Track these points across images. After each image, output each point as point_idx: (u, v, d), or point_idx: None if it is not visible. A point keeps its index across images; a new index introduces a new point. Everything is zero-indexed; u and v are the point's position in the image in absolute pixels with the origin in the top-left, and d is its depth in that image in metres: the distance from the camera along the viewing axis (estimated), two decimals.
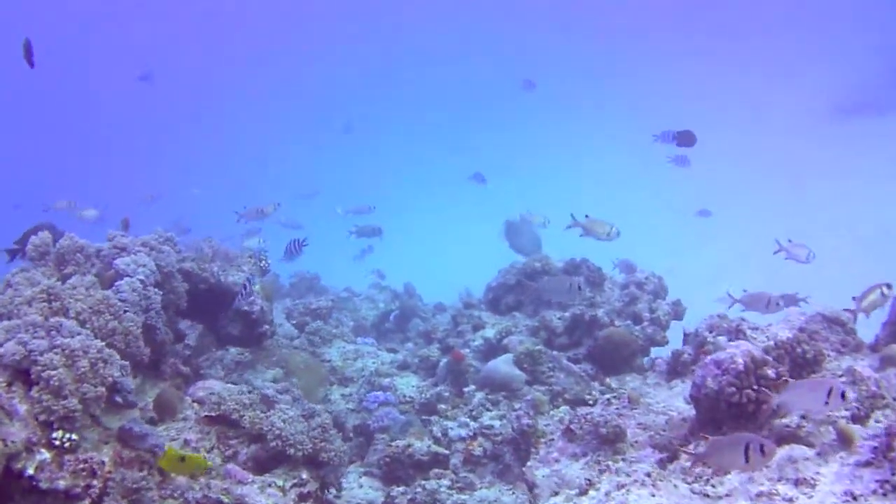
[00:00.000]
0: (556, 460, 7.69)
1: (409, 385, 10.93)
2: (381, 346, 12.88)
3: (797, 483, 5.13)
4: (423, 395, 10.53)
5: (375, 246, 16.70)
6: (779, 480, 5.27)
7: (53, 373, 6.19)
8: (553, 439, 8.07)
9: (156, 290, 8.32)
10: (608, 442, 7.41)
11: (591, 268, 11.74)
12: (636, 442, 7.47)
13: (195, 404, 8.18)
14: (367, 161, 50.95)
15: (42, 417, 6.17)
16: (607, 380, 10.12)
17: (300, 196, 15.75)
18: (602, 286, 11.70)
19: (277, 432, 7.55)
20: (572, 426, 7.75)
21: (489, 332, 11.25)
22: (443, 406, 10.26)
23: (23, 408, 6.22)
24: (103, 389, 6.45)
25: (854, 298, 7.96)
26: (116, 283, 7.95)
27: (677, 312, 11.59)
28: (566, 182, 45.49)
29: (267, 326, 10.32)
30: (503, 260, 12.66)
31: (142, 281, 8.18)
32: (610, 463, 7.09)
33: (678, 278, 12.43)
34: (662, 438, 7.27)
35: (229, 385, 8.53)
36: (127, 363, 6.99)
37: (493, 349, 10.97)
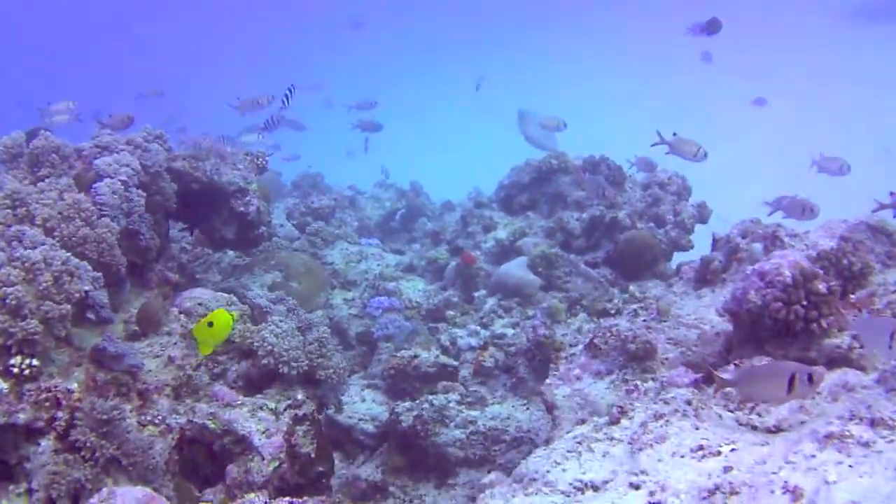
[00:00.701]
0: (578, 378, 6.88)
1: (416, 289, 10.07)
2: (387, 246, 11.99)
3: (873, 423, 4.24)
4: (430, 301, 9.68)
5: (378, 142, 15.62)
6: (850, 419, 4.36)
7: (10, 290, 5.31)
8: (574, 354, 7.24)
9: (139, 191, 7.41)
10: (637, 359, 6.57)
11: (612, 166, 10.77)
12: (666, 359, 6.63)
13: (182, 315, 7.35)
14: (375, 59, 49.29)
15: None
16: (631, 287, 9.26)
17: (303, 88, 14.65)
18: (623, 186, 10.76)
19: (269, 348, 6.68)
20: (596, 340, 6.90)
21: (501, 234, 10.33)
22: (451, 312, 9.40)
23: None
24: (69, 307, 5.58)
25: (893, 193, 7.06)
26: (94, 185, 7.05)
27: (702, 215, 10.68)
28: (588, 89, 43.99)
29: (264, 228, 9.41)
30: (514, 157, 11.81)
31: (123, 182, 7.27)
32: (639, 382, 6.21)
33: (694, 180, 11.48)
34: (695, 356, 6.44)
35: (219, 294, 7.68)
36: (100, 275, 6.12)
37: (505, 252, 10.07)
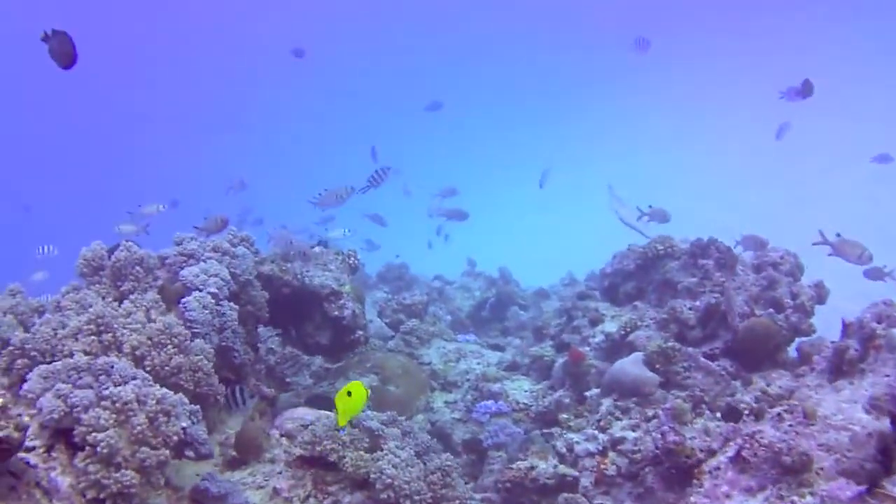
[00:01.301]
0: (728, 496, 5.96)
1: (521, 390, 9.15)
2: (483, 340, 11.11)
3: None
4: (539, 403, 8.77)
5: (461, 230, 14.78)
6: None
7: (101, 436, 4.52)
8: (718, 467, 6.32)
9: (231, 304, 6.66)
10: (792, 472, 5.63)
11: (721, 248, 9.84)
12: (821, 469, 5.69)
13: (283, 439, 6.54)
14: (448, 140, 48.31)
15: (90, 495, 4.53)
16: (756, 379, 8.29)
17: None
18: (734, 269, 9.81)
19: (388, 481, 5.79)
20: (744, 453, 5.97)
21: (610, 327, 9.39)
22: (564, 415, 8.48)
23: (65, 482, 4.60)
24: (167, 452, 4.77)
25: None
26: (183, 301, 6.29)
27: (820, 296, 9.69)
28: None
29: (360, 332, 8.61)
30: (604, 237, 10.97)
31: (213, 295, 6.53)
32: (796, 498, 5.33)
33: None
34: (850, 462, 5.50)
35: (323, 415, 6.85)
36: (197, 408, 5.33)
37: (616, 347, 9.13)
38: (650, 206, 10.12)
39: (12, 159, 43.99)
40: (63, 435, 4.76)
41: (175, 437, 4.82)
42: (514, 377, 9.45)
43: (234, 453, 6.27)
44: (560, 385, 9.05)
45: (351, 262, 8.96)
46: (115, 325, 5.50)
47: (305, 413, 6.83)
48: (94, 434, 4.52)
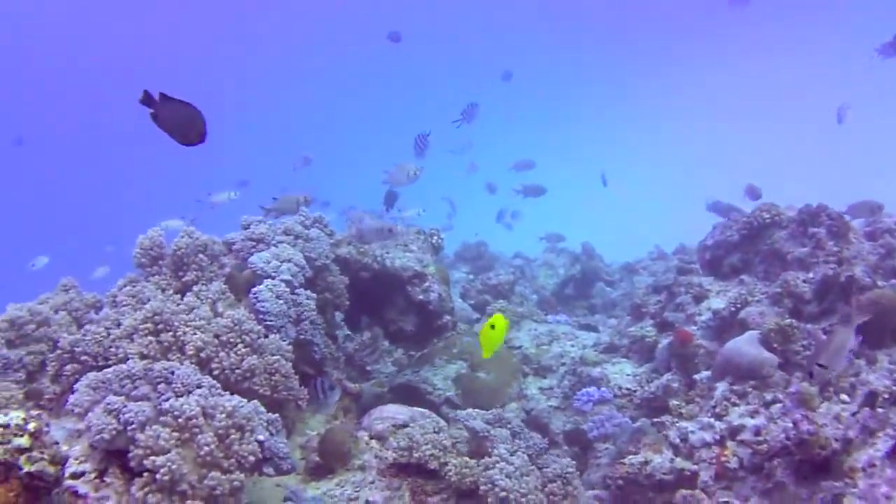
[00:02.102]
0: (889, 498, 4.96)
1: (623, 374, 8.07)
2: (572, 320, 10.00)
3: None
4: (645, 388, 7.70)
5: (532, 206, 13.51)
6: None
7: (161, 460, 3.56)
8: (874, 465, 5.28)
9: (307, 292, 5.68)
10: None
11: (832, 215, 8.65)
12: None
13: (374, 442, 5.57)
14: (520, 112, 45.90)
15: None
16: (879, 357, 7.15)
17: (450, 151, 12.71)
18: (847, 237, 8.63)
19: (502, 494, 4.76)
20: None
21: (717, 303, 8.24)
22: (675, 402, 7.40)
23: None
24: (242, 476, 3.79)
25: None
26: (253, 291, 5.33)
27: None
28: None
29: (448, 317, 7.58)
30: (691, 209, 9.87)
31: (287, 282, 5.56)
32: None
33: None
34: None
35: (417, 413, 5.86)
36: (276, 416, 4.36)
37: (725, 325, 8.01)
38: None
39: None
40: (118, 456, 3.82)
41: (251, 458, 3.84)
42: (615, 360, 8.36)
43: (318, 459, 5.31)
44: (665, 368, 7.97)
45: (434, 241, 7.95)
46: (177, 323, 4.56)
47: (397, 411, 5.84)
48: (152, 458, 3.56)
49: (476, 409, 5.91)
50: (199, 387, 3.99)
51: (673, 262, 10.40)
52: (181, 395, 3.92)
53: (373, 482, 5.13)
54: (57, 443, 3.46)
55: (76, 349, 4.62)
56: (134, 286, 5.38)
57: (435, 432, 5.22)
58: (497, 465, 4.94)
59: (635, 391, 7.77)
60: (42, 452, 3.24)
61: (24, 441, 3.21)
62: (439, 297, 7.43)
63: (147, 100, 3.95)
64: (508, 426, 5.73)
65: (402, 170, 8.13)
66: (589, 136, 41.13)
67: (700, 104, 43.22)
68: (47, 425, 3.46)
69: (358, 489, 5.09)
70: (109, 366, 4.49)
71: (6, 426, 3.20)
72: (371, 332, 8.52)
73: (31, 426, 3.27)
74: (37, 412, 3.69)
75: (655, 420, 7.26)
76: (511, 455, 5.09)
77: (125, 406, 3.80)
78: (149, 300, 5.05)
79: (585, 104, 46.73)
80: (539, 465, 5.29)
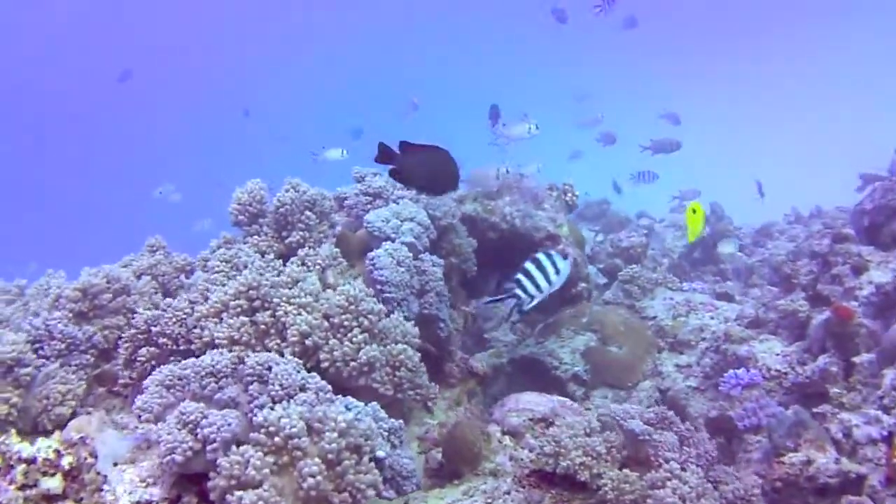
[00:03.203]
0: None
1: (773, 353, 6.74)
2: (710, 288, 8.66)
3: None
4: (797, 372, 6.38)
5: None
6: None
7: (250, 497, 2.45)
8: None
9: (433, 258, 4.52)
10: None
11: None
12: None
13: (507, 438, 4.43)
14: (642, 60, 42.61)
15: None
16: None
17: (575, 98, 11.32)
18: None
19: None
20: None
21: (880, 276, 6.87)
22: (836, 389, 6.07)
23: None
24: None
25: None
26: (370, 257, 4.18)
27: None
28: None
29: (583, 285, 6.39)
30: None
31: (410, 245, 4.41)
32: None
33: None
34: None
35: (558, 405, 4.68)
36: (399, 423, 3.23)
37: (890, 302, 6.62)
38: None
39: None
40: (197, 480, 2.74)
41: (370, 491, 2.70)
42: (762, 336, 7.03)
43: (441, 459, 4.18)
44: (819, 349, 6.60)
45: (568, 198, 6.71)
46: (277, 300, 3.44)
47: (535, 401, 4.67)
48: (238, 493, 2.45)
49: (636, 407, 4.70)
50: (303, 389, 2.88)
51: (815, 226, 8.99)
52: (279, 401, 2.81)
53: (508, 493, 3.97)
54: (105, 480, 2.36)
55: (153, 328, 3.56)
56: (229, 248, 4.30)
57: (586, 434, 4.03)
58: (668, 484, 3.73)
59: (786, 373, 6.46)
60: (80, 499, 2.14)
61: (54, 484, 2.12)
62: (574, 263, 6.23)
63: (385, 156, 3.05)
64: (675, 429, 4.51)
65: (516, 126, 6.96)
66: (714, 92, 38.50)
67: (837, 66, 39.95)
68: (94, 455, 2.37)
69: (492, 499, 3.95)
70: (193, 352, 3.41)
71: (31, 461, 2.10)
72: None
73: (67, 461, 2.18)
74: (79, 436, 2.58)
75: (815, 410, 5.95)
76: (685, 472, 3.86)
77: (205, 416, 2.70)
78: (245, 267, 3.95)
79: (717, 58, 43.87)
80: (714, 482, 4.09)
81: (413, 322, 3.99)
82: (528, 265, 3.64)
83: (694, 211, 4.40)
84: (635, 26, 12.66)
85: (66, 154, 42.60)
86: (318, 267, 4.06)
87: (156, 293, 4.27)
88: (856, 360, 6.15)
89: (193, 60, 43.50)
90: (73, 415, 3.37)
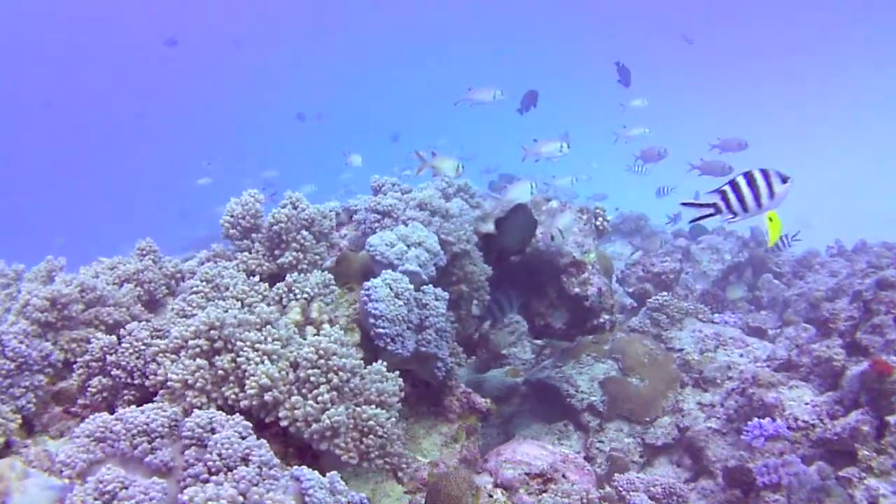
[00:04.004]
0: None
1: (801, 401, 6.15)
2: (742, 320, 8.02)
3: None
4: (826, 426, 5.80)
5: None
6: None
7: None
8: None
9: (437, 291, 4.01)
10: None
11: None
12: None
13: (499, 492, 3.96)
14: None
15: None
16: None
17: (621, 105, 10.65)
18: None
19: None
20: None
21: None
22: (865, 451, 5.50)
23: None
24: None
25: None
26: (365, 287, 3.70)
27: None
28: None
29: (606, 317, 5.84)
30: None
31: (412, 274, 3.93)
32: None
33: None
34: None
35: (559, 460, 4.17)
36: (361, 498, 2.75)
37: None
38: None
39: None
40: None
41: None
42: (792, 382, 6.44)
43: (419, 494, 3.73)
44: (852, 402, 6.02)
45: (598, 222, 6.18)
46: (240, 342, 2.96)
47: (535, 454, 4.17)
48: None
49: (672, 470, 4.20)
50: (245, 461, 2.41)
51: (859, 263, 8.38)
52: (216, 472, 2.36)
53: None
54: None
55: (109, 357, 3.12)
56: (216, 264, 3.84)
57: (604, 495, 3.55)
58: None
59: (814, 426, 5.89)
60: None
61: None
62: (598, 293, 5.71)
63: None
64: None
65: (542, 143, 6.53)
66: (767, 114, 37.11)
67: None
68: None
69: None
70: (147, 389, 2.97)
71: None
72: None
73: None
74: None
75: (840, 475, 5.40)
76: None
77: (125, 487, 2.25)
78: (227, 288, 3.51)
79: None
80: None
81: (410, 355, 3.55)
82: (739, 179, 3.36)
83: (770, 219, 4.05)
84: (691, 43, 12.09)
85: (107, 128, 42.96)
86: (304, 296, 3.60)
87: (136, 304, 3.84)
88: (890, 419, 5.61)
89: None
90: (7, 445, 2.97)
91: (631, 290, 8.08)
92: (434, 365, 3.98)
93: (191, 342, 2.90)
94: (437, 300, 3.94)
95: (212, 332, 2.91)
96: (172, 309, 3.49)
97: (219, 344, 2.92)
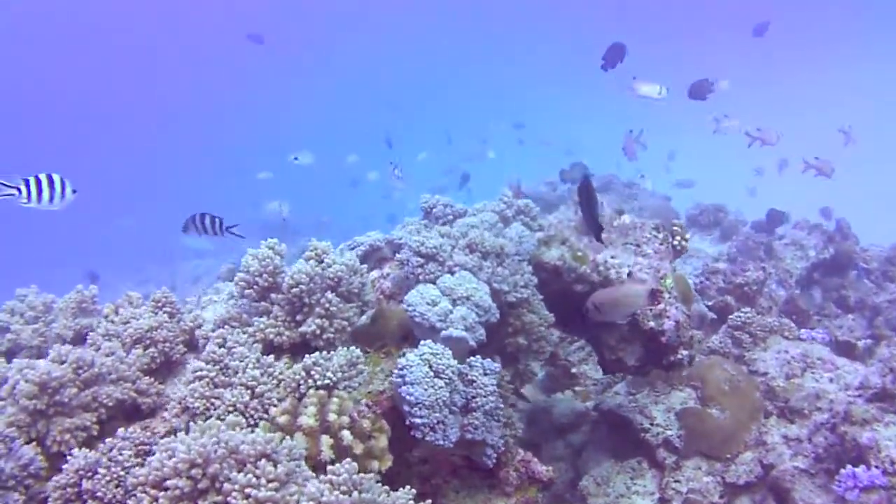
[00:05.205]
0: None
1: None
2: (832, 335, 7.05)
3: None
4: None
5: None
6: None
7: None
8: None
9: (487, 364, 3.28)
10: None
11: None
12: None
13: None
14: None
15: None
16: None
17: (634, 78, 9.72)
18: None
19: None
20: None
21: None
22: None
23: None
24: None
25: None
26: (399, 366, 3.01)
27: None
28: None
29: (685, 353, 5.03)
30: None
31: (459, 340, 3.23)
32: None
33: None
34: None
35: None
36: None
37: None
38: None
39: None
40: None
41: None
42: (888, 418, 5.54)
43: None
44: None
45: (676, 242, 5.36)
46: (227, 485, 2.28)
47: None
48: None
49: (705, 460, 3.47)
50: None
51: None
52: None
53: None
54: None
55: (85, 483, 2.49)
56: (231, 331, 3.18)
57: None
58: None
59: None
60: None
61: None
62: (676, 326, 4.93)
63: None
64: None
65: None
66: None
67: None
68: None
69: None
70: None
71: None
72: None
73: None
74: None
75: None
76: None
77: None
78: (236, 373, 2.86)
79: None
80: None
81: (453, 443, 2.89)
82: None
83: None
84: (763, 34, 11.04)
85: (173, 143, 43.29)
86: (326, 381, 2.93)
87: (144, 376, 3.22)
88: None
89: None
90: None
91: (710, 303, 7.21)
92: (483, 452, 3.28)
93: (170, 482, 2.24)
94: (485, 374, 3.24)
95: (193, 470, 2.24)
96: (173, 402, 2.86)
97: (203, 484, 2.26)
